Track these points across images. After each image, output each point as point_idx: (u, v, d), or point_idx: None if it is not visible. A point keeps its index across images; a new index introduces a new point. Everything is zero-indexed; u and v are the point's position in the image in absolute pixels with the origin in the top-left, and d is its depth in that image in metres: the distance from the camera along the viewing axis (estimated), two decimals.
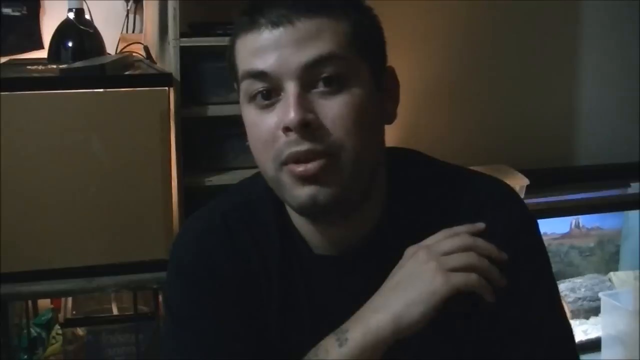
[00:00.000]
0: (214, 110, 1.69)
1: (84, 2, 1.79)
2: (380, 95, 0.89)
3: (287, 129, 0.82)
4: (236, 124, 1.68)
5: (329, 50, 0.83)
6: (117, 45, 1.94)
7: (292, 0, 0.83)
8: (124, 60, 1.75)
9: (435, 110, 2.24)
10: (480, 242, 0.85)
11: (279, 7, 0.83)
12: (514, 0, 2.29)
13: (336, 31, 0.84)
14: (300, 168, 0.83)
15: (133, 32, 2.03)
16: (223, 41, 1.67)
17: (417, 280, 0.82)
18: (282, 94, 0.84)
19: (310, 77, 0.83)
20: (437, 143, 2.06)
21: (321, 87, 0.83)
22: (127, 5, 2.00)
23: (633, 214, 2.27)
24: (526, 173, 2.07)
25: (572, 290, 2.21)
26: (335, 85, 0.83)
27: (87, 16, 1.81)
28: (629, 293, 2.19)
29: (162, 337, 1.00)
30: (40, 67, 1.75)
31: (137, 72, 1.71)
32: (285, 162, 0.84)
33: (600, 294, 2.22)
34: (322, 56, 0.83)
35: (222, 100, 1.70)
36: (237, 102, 1.78)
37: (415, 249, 0.86)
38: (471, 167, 1.01)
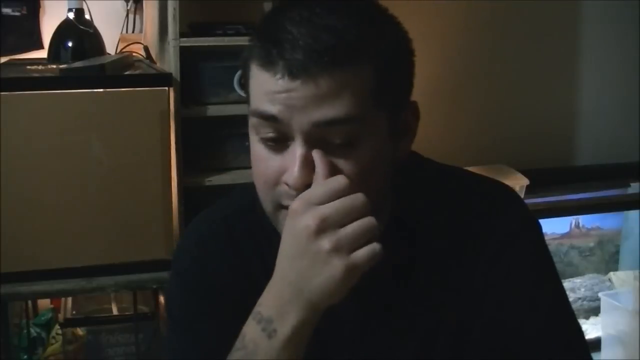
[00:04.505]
0: (214, 110, 1.69)
1: (83, 2, 1.79)
2: (395, 138, 0.85)
3: (288, 185, 0.80)
4: (236, 124, 1.70)
5: (347, 112, 0.77)
6: (117, 45, 1.94)
7: (316, 49, 0.76)
8: (124, 60, 1.75)
9: (435, 110, 2.24)
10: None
11: (300, 53, 0.76)
12: (513, 0, 2.29)
13: (357, 86, 0.78)
14: None
15: (133, 32, 2.03)
16: (223, 41, 1.70)
17: (313, 270, 0.76)
18: (291, 142, 0.80)
19: (321, 134, 0.79)
20: (437, 143, 2.06)
21: (331, 145, 0.79)
22: (127, 5, 2.00)
23: (633, 214, 2.27)
24: (526, 173, 2.07)
25: (572, 290, 2.21)
26: (347, 144, 0.79)
27: (87, 16, 1.80)
28: (629, 293, 2.19)
29: (164, 340, 1.00)
30: (40, 67, 1.75)
31: (137, 72, 1.71)
32: (283, 207, 0.82)
33: (600, 294, 2.22)
34: (339, 118, 0.77)
35: (222, 100, 1.70)
36: (237, 102, 1.79)
37: (298, 211, 0.77)
38: (471, 167, 1.01)
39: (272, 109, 0.78)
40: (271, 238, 0.92)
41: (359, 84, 0.78)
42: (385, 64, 0.80)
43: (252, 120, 0.82)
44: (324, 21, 0.77)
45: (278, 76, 0.77)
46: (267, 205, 0.84)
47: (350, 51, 0.77)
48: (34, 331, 1.83)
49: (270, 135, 0.81)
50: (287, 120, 0.78)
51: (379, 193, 0.84)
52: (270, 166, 0.82)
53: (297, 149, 0.79)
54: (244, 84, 0.86)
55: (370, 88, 0.79)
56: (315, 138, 0.79)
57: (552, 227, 2.18)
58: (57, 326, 1.85)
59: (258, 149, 0.83)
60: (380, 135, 0.82)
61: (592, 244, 2.28)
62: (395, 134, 0.84)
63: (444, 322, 0.89)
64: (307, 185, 0.79)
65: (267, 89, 0.79)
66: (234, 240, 0.94)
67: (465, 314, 0.88)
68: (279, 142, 0.81)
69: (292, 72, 0.76)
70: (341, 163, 0.80)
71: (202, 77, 1.70)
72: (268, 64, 0.78)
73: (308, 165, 0.79)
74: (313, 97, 0.77)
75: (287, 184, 0.80)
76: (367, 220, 0.76)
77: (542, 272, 0.91)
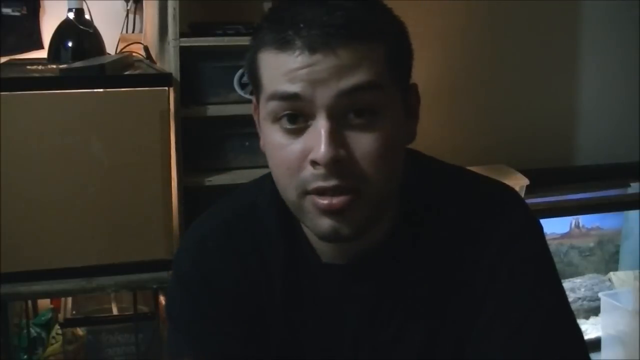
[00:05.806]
0: (213, 110, 1.69)
1: (84, 2, 1.79)
2: (406, 118, 0.87)
3: (315, 163, 0.79)
4: (236, 124, 1.70)
5: (367, 79, 0.79)
6: (117, 45, 1.94)
7: (332, 24, 0.78)
8: (124, 60, 1.75)
9: (435, 110, 2.24)
10: None
11: (317, 29, 0.78)
12: (513, 0, 2.29)
13: (374, 59, 0.80)
14: (325, 201, 0.80)
15: (133, 32, 2.03)
16: (223, 41, 1.70)
17: None
18: (311, 121, 0.80)
19: (343, 106, 0.79)
20: (437, 143, 2.07)
21: (353, 118, 0.80)
22: (127, 5, 2.00)
23: (633, 214, 2.27)
24: (526, 173, 2.07)
25: (572, 290, 2.21)
26: (368, 117, 0.80)
27: (87, 16, 1.80)
28: (629, 293, 2.19)
29: (166, 341, 1.00)
30: (40, 67, 1.75)
31: (137, 72, 1.71)
32: (309, 193, 0.81)
33: (600, 294, 2.22)
34: (360, 85, 0.79)
35: (222, 100, 1.70)
36: (237, 102, 1.79)
37: None
38: (471, 167, 1.01)
39: (293, 87, 0.79)
40: (273, 239, 0.93)
41: (375, 57, 0.80)
42: (394, 44, 0.83)
43: (270, 106, 0.82)
44: (335, 2, 0.79)
45: (297, 53, 0.78)
46: (290, 194, 0.83)
47: (363, 28, 0.80)
48: (34, 331, 1.83)
49: (290, 112, 0.80)
50: (310, 96, 0.78)
51: (394, 179, 0.85)
52: (293, 151, 0.81)
53: (321, 124, 0.79)
54: (252, 78, 0.85)
55: (384, 62, 0.81)
56: (338, 113, 0.79)
57: (552, 227, 2.18)
58: (57, 326, 1.85)
59: (277, 137, 0.82)
60: (397, 111, 0.84)
61: (592, 244, 2.28)
62: (406, 111, 0.86)
63: (445, 321, 0.89)
64: (336, 160, 0.78)
65: (286, 68, 0.79)
66: (234, 242, 0.94)
67: (466, 313, 0.88)
68: (298, 121, 0.80)
69: (312, 47, 0.78)
70: (363, 139, 0.80)
71: (202, 77, 1.70)
72: (285, 44, 0.79)
73: (335, 139, 0.78)
74: (334, 68, 0.78)
75: (314, 163, 0.79)
76: None
77: (543, 273, 0.91)
